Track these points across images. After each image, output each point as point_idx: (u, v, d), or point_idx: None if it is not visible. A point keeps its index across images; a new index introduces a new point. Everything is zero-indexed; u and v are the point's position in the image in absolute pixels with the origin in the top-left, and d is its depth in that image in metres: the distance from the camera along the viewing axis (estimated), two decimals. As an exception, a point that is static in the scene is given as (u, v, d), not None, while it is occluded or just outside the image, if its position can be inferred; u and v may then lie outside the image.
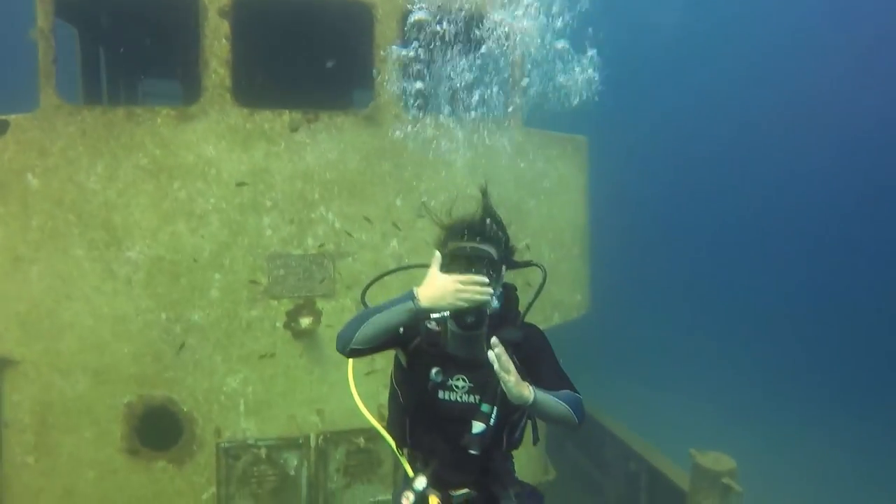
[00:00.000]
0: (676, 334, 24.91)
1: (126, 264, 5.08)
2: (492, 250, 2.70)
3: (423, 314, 2.56)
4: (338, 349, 2.69)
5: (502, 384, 2.39)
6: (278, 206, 5.32)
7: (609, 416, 9.02)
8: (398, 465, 5.57)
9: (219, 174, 5.17)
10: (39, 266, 4.93)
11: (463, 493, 2.84)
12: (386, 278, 3.20)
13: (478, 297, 2.50)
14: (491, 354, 2.38)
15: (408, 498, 2.78)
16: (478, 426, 2.67)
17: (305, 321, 5.45)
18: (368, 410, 3.08)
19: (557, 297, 6.58)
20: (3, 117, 4.80)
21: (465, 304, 2.51)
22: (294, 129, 5.29)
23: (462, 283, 2.50)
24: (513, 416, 2.81)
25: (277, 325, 5.43)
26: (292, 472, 5.52)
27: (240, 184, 5.16)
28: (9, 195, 4.84)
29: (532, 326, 2.90)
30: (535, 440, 3.00)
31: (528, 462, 6.56)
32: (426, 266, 2.68)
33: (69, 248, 4.97)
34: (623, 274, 21.85)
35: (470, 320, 2.62)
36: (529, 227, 6.24)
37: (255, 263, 5.32)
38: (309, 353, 5.53)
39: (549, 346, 2.88)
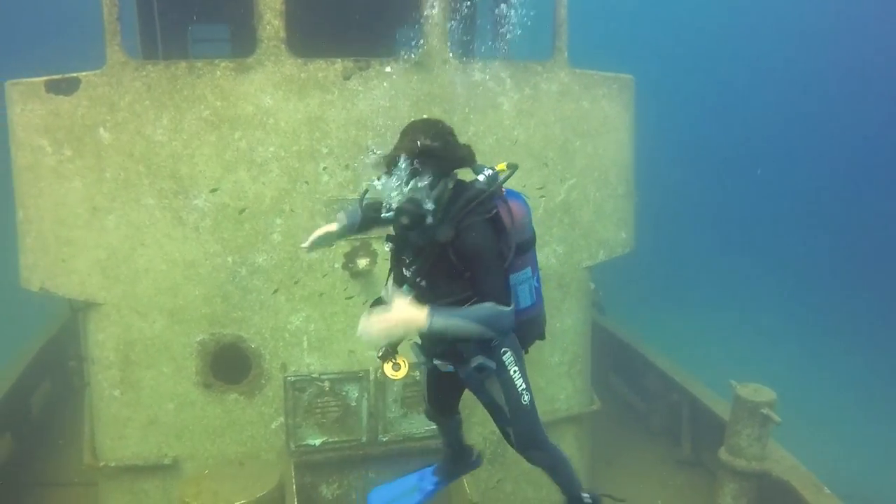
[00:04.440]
0: (724, 267, 24.85)
1: (193, 212, 5.36)
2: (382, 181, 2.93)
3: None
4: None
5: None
6: (334, 153, 5.52)
7: (652, 347, 9.27)
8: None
9: (277, 123, 5.36)
10: (115, 215, 5.25)
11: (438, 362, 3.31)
12: None
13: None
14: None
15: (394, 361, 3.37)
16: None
17: (362, 262, 5.71)
18: None
19: (603, 236, 6.73)
20: (75, 75, 5.04)
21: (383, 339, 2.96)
22: (347, 78, 5.44)
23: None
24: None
25: (336, 266, 5.71)
26: (354, 403, 5.90)
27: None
28: (84, 149, 5.12)
29: (470, 224, 2.95)
30: None
31: (574, 393, 6.88)
32: None
33: (141, 198, 5.27)
34: (666, 204, 21.71)
35: (405, 222, 2.92)
36: (575, 166, 6.36)
37: (313, 208, 5.57)
38: (366, 292, 5.81)
39: (481, 248, 2.95)
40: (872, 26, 32.01)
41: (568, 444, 6.96)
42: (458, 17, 5.89)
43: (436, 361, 3.33)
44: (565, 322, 6.62)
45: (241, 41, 8.53)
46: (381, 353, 3.32)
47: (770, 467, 6.08)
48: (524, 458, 3.54)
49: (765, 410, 5.99)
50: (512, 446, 3.49)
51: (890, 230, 27.52)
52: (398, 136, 3.00)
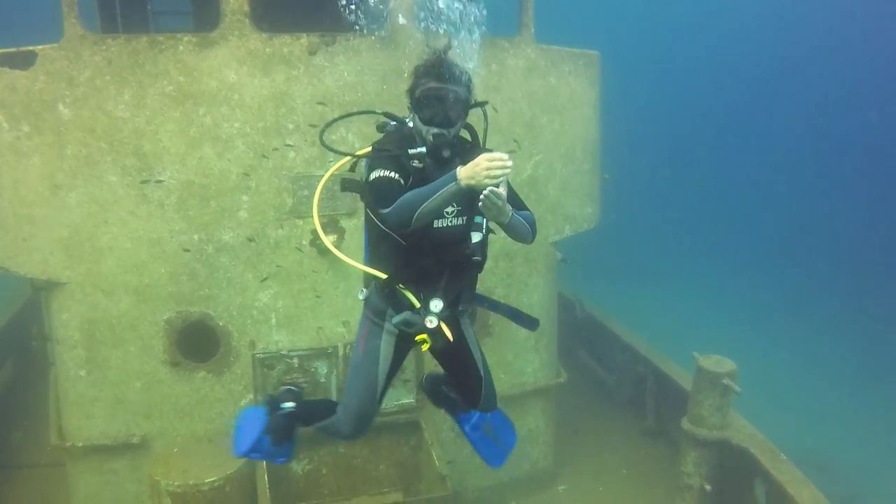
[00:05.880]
0: (686, 242, 25.24)
1: (158, 189, 5.29)
2: (458, 89, 3.02)
3: (465, 192, 2.79)
4: (390, 228, 2.92)
5: (492, 204, 2.75)
6: (300, 129, 5.48)
7: (618, 321, 9.42)
8: (419, 366, 5.98)
9: (241, 99, 5.30)
10: (77, 193, 5.16)
11: (463, 308, 3.35)
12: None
13: (503, 171, 2.71)
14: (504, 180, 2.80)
15: (431, 322, 3.07)
16: (476, 236, 3.13)
17: (330, 238, 5.70)
18: None
19: (569, 211, 6.81)
20: (30, 49, 4.91)
21: (494, 181, 2.70)
22: (312, 53, 5.38)
23: (489, 160, 2.69)
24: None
25: (304, 242, 5.70)
26: (323, 380, 5.93)
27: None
28: (43, 125, 5.00)
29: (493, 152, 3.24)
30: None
31: (540, 366, 6.99)
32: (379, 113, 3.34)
33: (103, 175, 5.18)
34: (632, 181, 21.93)
35: (446, 154, 3.03)
36: (542, 142, 6.40)
37: (280, 185, 5.53)
38: (334, 268, 5.81)
39: None
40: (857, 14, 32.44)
41: (535, 416, 7.10)
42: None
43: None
44: (532, 297, 6.70)
45: (203, 15, 8.35)
46: (441, 309, 3.08)
47: (730, 435, 6.25)
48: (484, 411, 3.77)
49: (725, 381, 6.14)
50: (475, 404, 3.67)
51: (851, 210, 28.21)
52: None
